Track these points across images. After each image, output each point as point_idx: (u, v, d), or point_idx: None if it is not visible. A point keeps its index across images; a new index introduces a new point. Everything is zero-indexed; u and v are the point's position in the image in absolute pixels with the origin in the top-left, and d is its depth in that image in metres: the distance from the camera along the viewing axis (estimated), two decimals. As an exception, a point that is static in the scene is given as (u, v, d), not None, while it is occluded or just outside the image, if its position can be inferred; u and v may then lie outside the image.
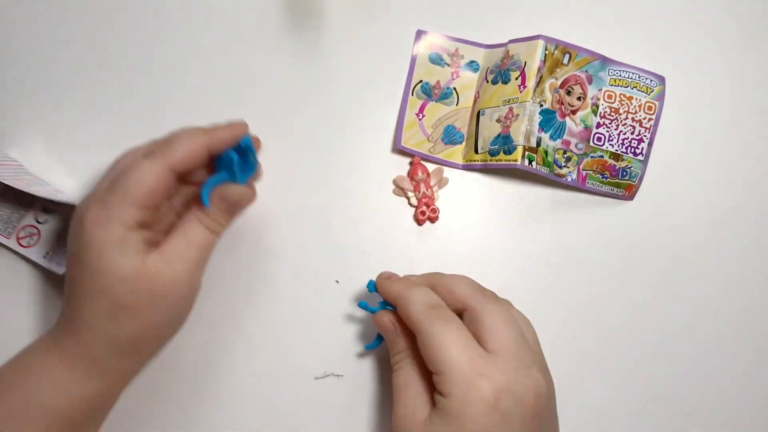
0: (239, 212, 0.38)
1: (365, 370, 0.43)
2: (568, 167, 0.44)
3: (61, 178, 0.44)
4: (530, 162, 0.43)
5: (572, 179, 0.44)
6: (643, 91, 0.45)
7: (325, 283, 0.44)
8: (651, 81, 0.45)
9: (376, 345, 0.41)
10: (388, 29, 0.46)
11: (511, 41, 0.45)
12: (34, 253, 0.43)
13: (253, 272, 0.44)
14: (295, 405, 0.43)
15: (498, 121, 0.44)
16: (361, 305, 0.40)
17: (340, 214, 0.44)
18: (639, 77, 0.45)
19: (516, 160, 0.43)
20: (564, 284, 0.45)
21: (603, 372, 0.44)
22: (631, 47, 0.46)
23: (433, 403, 0.34)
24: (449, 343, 0.33)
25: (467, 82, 0.46)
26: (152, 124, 0.44)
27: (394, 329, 0.37)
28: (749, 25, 0.47)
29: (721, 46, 0.47)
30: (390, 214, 0.45)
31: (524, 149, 0.43)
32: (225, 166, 0.37)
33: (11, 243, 0.42)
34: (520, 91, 0.43)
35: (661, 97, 0.45)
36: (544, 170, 0.43)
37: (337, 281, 0.43)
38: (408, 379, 0.36)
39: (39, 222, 0.43)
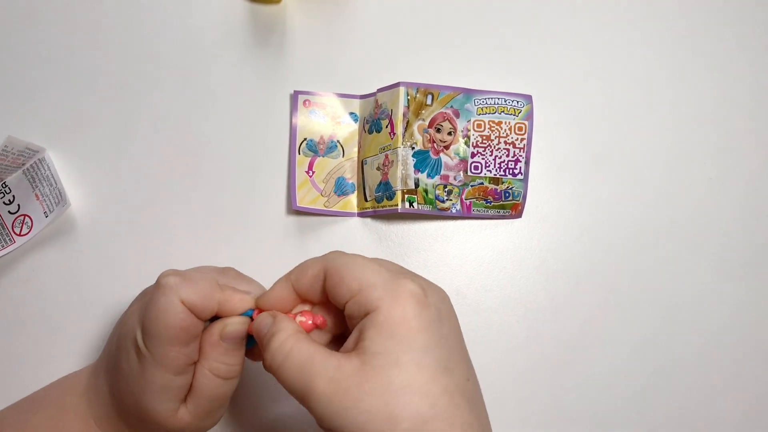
0: (245, 346, 0.35)
1: None
2: (451, 200, 0.46)
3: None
4: (411, 204, 0.46)
5: (456, 210, 0.47)
6: (511, 114, 0.47)
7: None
8: (518, 102, 0.47)
9: None
10: (264, 93, 0.49)
11: (378, 90, 0.47)
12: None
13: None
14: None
15: (378, 168, 0.47)
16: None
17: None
18: (505, 101, 0.47)
19: (396, 205, 0.45)
20: (470, 308, 0.47)
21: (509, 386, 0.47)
22: (497, 73, 0.48)
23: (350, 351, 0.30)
24: (363, 263, 0.31)
25: (349, 133, 0.48)
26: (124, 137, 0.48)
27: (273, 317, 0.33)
28: (614, 24, 0.49)
29: (585, 52, 0.49)
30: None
31: (403, 193, 0.45)
32: None
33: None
34: (391, 138, 0.46)
35: (530, 116, 0.47)
36: (427, 208, 0.46)
37: None
38: (311, 351, 0.30)
39: None
